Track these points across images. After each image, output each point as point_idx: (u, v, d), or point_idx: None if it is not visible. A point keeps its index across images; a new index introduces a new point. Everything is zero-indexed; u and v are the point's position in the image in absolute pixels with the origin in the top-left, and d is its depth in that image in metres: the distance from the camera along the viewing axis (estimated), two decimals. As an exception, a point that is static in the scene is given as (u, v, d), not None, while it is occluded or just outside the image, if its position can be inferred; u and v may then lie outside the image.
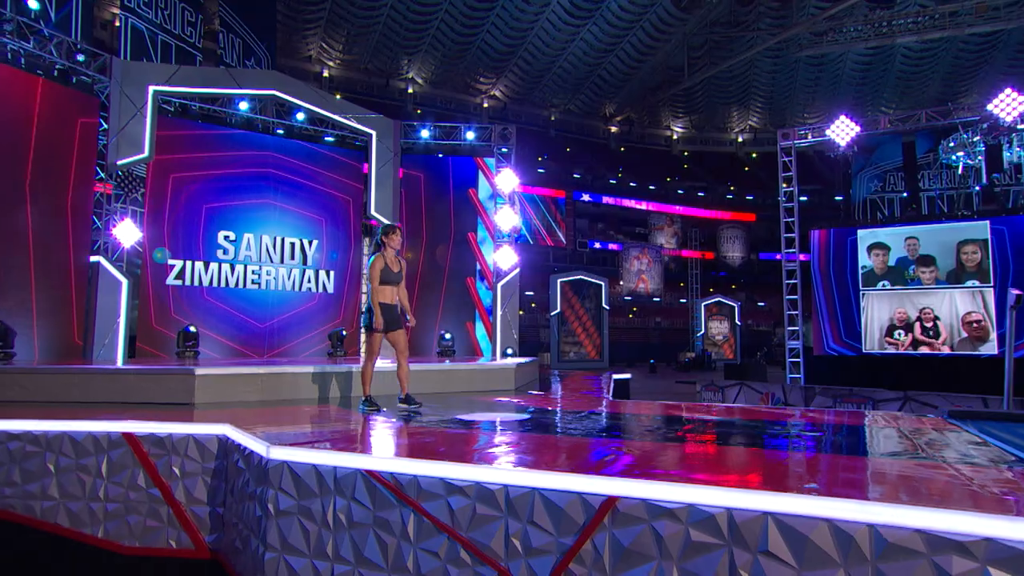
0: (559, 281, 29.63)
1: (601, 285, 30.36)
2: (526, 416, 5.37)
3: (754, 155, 44.58)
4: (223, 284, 11.35)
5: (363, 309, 12.20)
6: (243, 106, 12.89)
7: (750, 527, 2.69)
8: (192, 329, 10.47)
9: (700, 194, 43.85)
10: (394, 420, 5.17)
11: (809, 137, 11.31)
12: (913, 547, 2.45)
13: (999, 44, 34.10)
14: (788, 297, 11.27)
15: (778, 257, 37.33)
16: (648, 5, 35.03)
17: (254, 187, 12.02)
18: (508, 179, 14.09)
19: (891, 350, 10.50)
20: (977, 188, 25.83)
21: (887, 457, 3.77)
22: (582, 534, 2.96)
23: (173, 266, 10.93)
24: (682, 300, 36.23)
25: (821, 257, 11.19)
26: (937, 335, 10.24)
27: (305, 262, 12.40)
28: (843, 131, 10.70)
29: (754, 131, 45.19)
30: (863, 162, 32.65)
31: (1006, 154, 19.40)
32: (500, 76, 40.58)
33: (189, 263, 11.08)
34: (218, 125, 12.59)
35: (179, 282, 10.92)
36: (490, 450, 3.94)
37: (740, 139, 45.49)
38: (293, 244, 12.33)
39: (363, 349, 5.85)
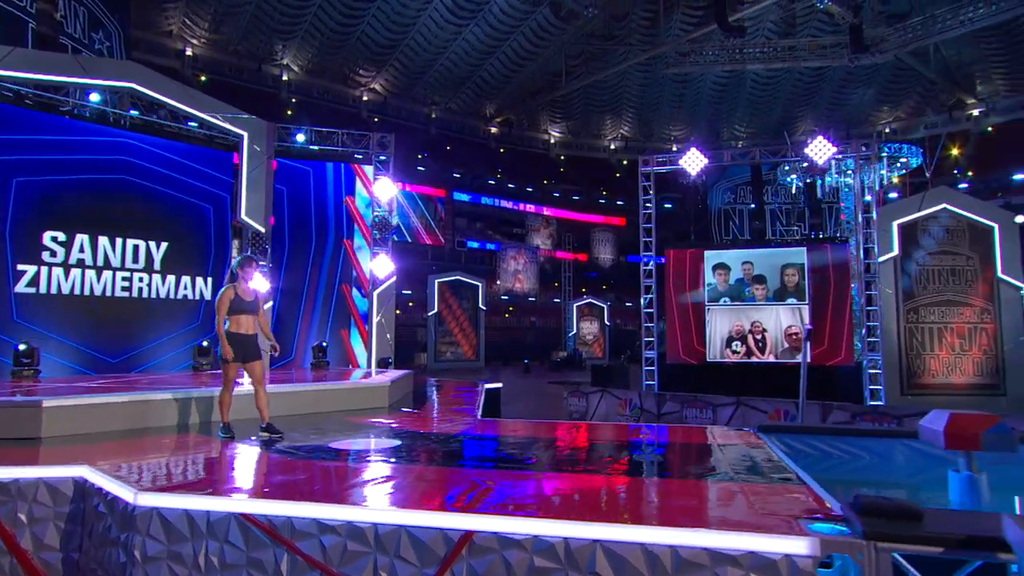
0: (437, 281, 29.94)
1: (478, 286, 31.04)
2: (396, 444, 5.70)
3: (625, 162, 47.33)
4: (86, 292, 10.47)
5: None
6: (94, 97, 11.90)
7: (582, 552, 3.25)
8: (22, 347, 9.49)
9: (575, 197, 45.91)
10: (263, 453, 5.29)
11: (667, 164, 12.55)
12: (700, 562, 3.12)
13: (826, 78, 38.87)
14: (645, 310, 12.48)
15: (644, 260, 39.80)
16: (529, 12, 36.08)
17: (110, 187, 11.17)
18: (386, 187, 14.20)
19: (731, 359, 11.92)
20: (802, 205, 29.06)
21: (695, 479, 4.54)
22: (442, 565, 3.39)
23: (24, 271, 9.92)
24: (556, 300, 37.87)
25: (673, 275, 12.44)
26: (765, 346, 11.77)
27: (170, 267, 11.73)
28: (694, 162, 12.04)
29: (625, 140, 47.99)
30: (718, 176, 35.87)
31: (829, 178, 22.37)
32: (381, 70, 39.93)
33: (44, 269, 10.09)
34: (63, 117, 11.53)
35: (31, 290, 9.94)
36: (360, 487, 4.25)
37: (613, 147, 48.13)
38: (145, 247, 11.59)
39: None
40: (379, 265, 13.87)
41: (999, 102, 37.21)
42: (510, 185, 43.40)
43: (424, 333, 30.52)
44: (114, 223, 11.00)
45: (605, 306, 35.20)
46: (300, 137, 13.66)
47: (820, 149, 11.13)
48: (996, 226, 14.56)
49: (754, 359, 11.66)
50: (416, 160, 40.15)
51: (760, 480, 4.34)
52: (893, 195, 28.28)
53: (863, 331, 12.17)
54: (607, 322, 34.94)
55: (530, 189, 43.74)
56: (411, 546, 3.46)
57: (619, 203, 46.28)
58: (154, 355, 11.21)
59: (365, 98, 41.53)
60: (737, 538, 3.09)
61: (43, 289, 10.08)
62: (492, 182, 43.05)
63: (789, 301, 11.70)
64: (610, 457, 5.25)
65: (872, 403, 11.25)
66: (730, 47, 33.34)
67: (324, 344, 12.61)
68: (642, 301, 12.46)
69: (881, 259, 15.26)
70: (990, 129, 37.29)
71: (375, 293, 13.87)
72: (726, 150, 12.33)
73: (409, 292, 34.83)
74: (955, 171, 36.91)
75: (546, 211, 44.12)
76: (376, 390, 7.91)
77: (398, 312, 34.78)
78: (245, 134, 12.54)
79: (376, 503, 3.78)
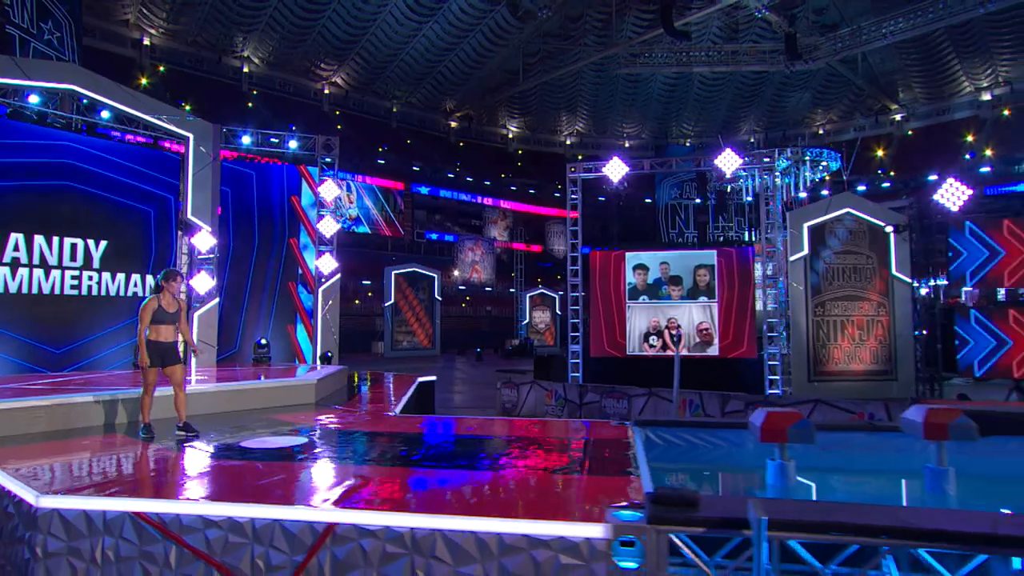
0: (393, 273, 30.11)
1: (434, 277, 31.33)
2: (302, 442, 6.05)
3: (580, 157, 47.94)
4: (32, 291, 10.45)
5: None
6: (33, 99, 11.74)
7: (425, 540, 3.71)
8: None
9: (531, 191, 46.35)
10: (174, 453, 5.59)
11: (592, 172, 13.06)
12: (520, 546, 3.61)
13: (766, 81, 39.99)
14: (572, 307, 13.05)
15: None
16: (487, 11, 36.15)
17: (51, 190, 11.11)
18: (330, 189, 14.37)
19: (649, 353, 12.55)
20: (738, 201, 29.82)
21: (545, 473, 4.97)
22: (309, 553, 3.80)
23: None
24: (512, 290, 38.39)
25: (598, 274, 12.99)
26: (679, 341, 12.43)
27: (110, 266, 11.73)
28: (616, 170, 12.59)
29: (580, 136, 48.54)
30: (666, 172, 36.58)
31: (758, 179, 23.20)
32: (342, 64, 39.53)
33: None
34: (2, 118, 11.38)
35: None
36: (251, 484, 4.62)
37: (568, 142, 48.63)
38: (83, 245, 11.57)
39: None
40: (324, 263, 14.08)
41: (918, 108, 38.89)
42: (468, 178, 43.58)
43: (383, 323, 30.72)
44: (53, 224, 10.97)
45: (557, 296, 35.87)
46: (246, 139, 13.72)
47: (728, 161, 11.79)
48: (892, 229, 15.50)
49: (669, 352, 12.31)
50: (376, 153, 39.98)
51: (605, 474, 4.85)
52: (826, 192, 29.49)
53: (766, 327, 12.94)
54: (559, 311, 35.65)
55: (488, 183, 44.01)
56: (283, 537, 3.87)
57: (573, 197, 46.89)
58: (96, 350, 11.28)
59: (327, 91, 41.10)
60: (548, 525, 3.59)
61: (25, 289, 10.19)
62: (451, 175, 43.16)
63: (701, 299, 12.37)
64: (479, 453, 5.71)
65: (771, 392, 12.04)
66: (678, 50, 34.05)
67: (265, 340, 12.79)
68: (568, 299, 13.01)
69: (792, 258, 16.10)
70: (910, 133, 38.95)
71: (320, 289, 14.09)
72: (646, 159, 12.88)
73: (369, 282, 34.91)
74: (879, 171, 38.52)
75: (503, 204, 44.47)
76: (302, 387, 8.23)
77: (357, 302, 34.90)
78: (190, 136, 12.55)
79: (257, 499, 4.16)
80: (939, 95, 38.37)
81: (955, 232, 10.19)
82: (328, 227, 14.25)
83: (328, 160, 14.59)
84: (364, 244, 36.94)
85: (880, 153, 39.60)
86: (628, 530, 3.50)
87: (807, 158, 22.69)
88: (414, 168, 41.53)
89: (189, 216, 12.42)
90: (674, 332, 11.95)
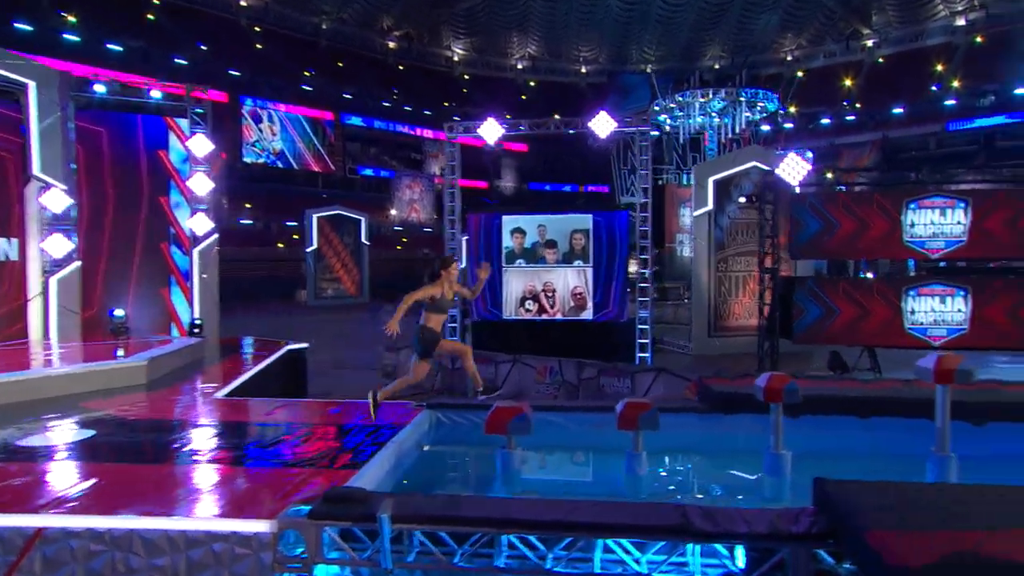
0: (315, 216, 30.40)
1: (360, 220, 31.69)
2: (88, 435, 6.77)
3: (533, 83, 47.55)
4: None
5: None
6: None
7: (124, 538, 4.66)
8: None
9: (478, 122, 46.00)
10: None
11: (468, 132, 13.65)
12: (202, 540, 4.56)
13: (730, 8, 39.75)
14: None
15: (547, 188, 40.74)
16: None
17: None
18: (201, 144, 14.61)
19: (525, 316, 13.56)
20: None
21: (228, 465, 5.80)
22: (20, 554, 4.74)
23: None
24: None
25: (475, 237, 13.77)
26: (554, 304, 13.45)
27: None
28: (490, 131, 13.18)
29: (533, 59, 47.92)
30: (617, 103, 36.54)
31: (693, 120, 23.88)
32: (259, -26, 38.09)
33: None
34: None
35: None
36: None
37: (520, 66, 48.05)
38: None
39: None
40: (197, 223, 14.51)
41: (891, 33, 39.19)
42: (407, 107, 43.14)
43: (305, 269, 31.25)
44: None
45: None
46: (99, 88, 13.77)
47: (602, 124, 12.41)
48: (797, 184, 16.43)
49: (545, 316, 13.33)
50: (302, 78, 39.23)
51: (320, 469, 5.72)
52: (768, 127, 30.09)
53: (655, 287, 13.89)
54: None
55: (428, 112, 43.62)
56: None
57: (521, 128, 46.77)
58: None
59: (244, 2, 39.61)
60: (226, 523, 4.57)
61: None
62: (387, 104, 42.66)
63: (576, 264, 13.30)
64: (229, 444, 6.55)
65: (641, 355, 13.22)
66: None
67: (122, 311, 13.12)
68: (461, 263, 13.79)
69: (697, 213, 17.05)
70: (880, 60, 39.42)
71: (195, 251, 14.58)
72: (525, 120, 13.44)
73: (294, 224, 35.09)
74: (844, 102, 39.20)
75: (446, 136, 44.23)
76: (132, 369, 8.95)
77: (281, 245, 35.18)
78: (31, 83, 12.49)
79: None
80: (914, 18, 38.65)
81: (796, 204, 11.12)
82: (200, 185, 14.54)
83: (200, 111, 14.76)
84: (289, 181, 36.86)
85: (848, 83, 40.14)
86: (292, 525, 4.49)
87: (742, 99, 23.32)
88: (345, 95, 40.91)
89: (37, 172, 12.59)
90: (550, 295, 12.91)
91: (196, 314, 14.52)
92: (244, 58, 36.42)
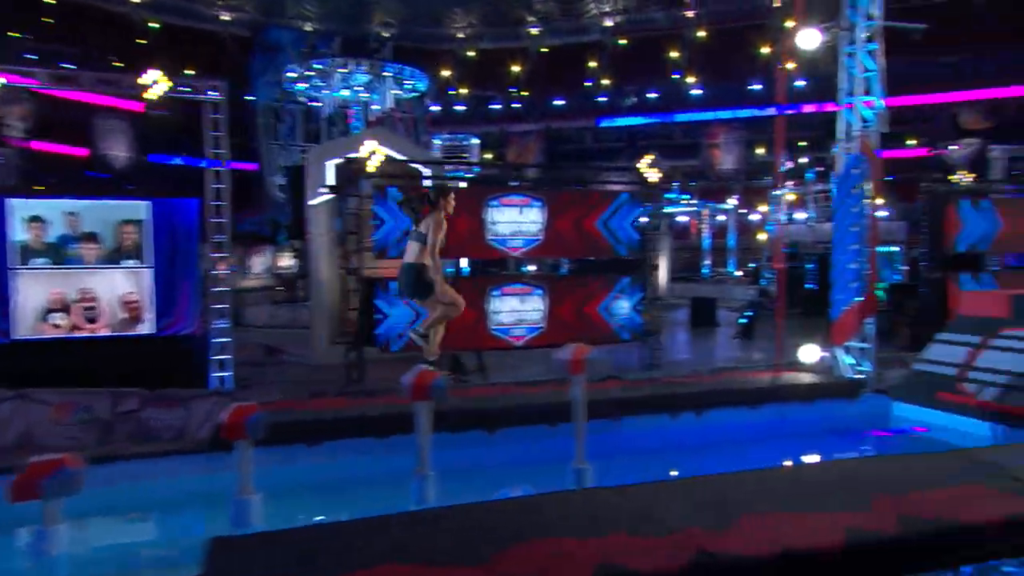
0: None
1: None
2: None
3: (156, 25, 40.26)
4: None
5: None
6: None
7: None
8: None
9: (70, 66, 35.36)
10: None
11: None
12: None
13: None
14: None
15: (176, 161, 35.00)
16: None
17: None
18: None
19: (52, 335, 10.58)
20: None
21: None
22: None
23: None
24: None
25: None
26: (96, 318, 10.71)
27: None
28: None
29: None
30: (265, 64, 33.26)
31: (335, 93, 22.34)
32: None
33: None
34: None
35: None
36: None
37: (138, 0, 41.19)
38: None
39: None
40: None
41: (554, 24, 42.54)
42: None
43: None
44: None
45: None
46: None
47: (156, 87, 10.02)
48: (422, 168, 15.76)
49: (82, 334, 10.56)
50: None
51: None
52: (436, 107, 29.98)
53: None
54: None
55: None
56: None
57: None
58: None
59: None
60: None
61: None
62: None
63: (128, 263, 10.78)
64: None
65: (220, 374, 11.30)
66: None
67: None
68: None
69: (313, 202, 15.51)
70: (543, 50, 42.71)
71: None
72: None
73: None
74: (510, 88, 41.60)
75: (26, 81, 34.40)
76: None
77: None
78: None
79: None
80: (571, 12, 42.39)
81: (379, 200, 10.40)
82: None
83: None
84: None
85: (516, 69, 42.69)
86: None
87: (387, 74, 22.47)
88: None
89: None
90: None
91: None
92: None
